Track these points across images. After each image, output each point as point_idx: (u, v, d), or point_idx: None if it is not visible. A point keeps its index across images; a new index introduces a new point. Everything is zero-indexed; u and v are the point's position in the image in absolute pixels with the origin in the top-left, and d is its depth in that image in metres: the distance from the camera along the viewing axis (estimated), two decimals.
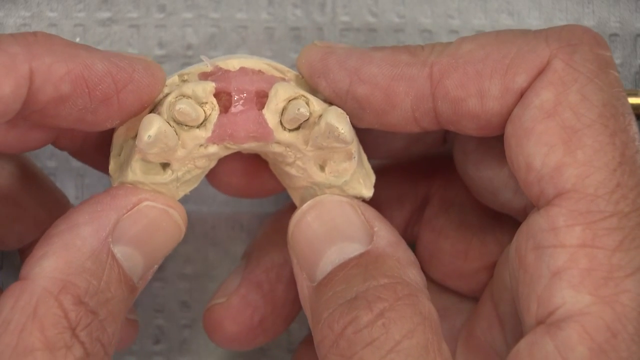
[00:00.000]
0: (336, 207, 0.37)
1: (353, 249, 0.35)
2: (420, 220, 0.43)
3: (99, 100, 0.34)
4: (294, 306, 0.42)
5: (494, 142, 0.37)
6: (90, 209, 0.35)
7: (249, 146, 0.36)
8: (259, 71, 0.36)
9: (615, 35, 0.47)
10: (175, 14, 0.47)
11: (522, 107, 0.34)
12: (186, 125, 0.35)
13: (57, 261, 0.33)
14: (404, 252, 0.36)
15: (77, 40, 0.47)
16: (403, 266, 0.35)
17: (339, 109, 0.35)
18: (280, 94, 0.35)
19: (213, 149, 0.36)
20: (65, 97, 0.34)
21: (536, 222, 0.33)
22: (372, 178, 0.38)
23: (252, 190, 0.41)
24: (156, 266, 0.37)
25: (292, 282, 0.41)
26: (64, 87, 0.34)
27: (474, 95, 0.34)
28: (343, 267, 0.35)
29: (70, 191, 0.47)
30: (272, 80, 0.36)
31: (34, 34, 0.34)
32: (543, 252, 0.33)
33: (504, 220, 0.40)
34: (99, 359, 0.33)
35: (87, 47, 0.35)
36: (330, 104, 0.36)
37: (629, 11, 0.48)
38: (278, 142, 0.36)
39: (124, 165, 0.37)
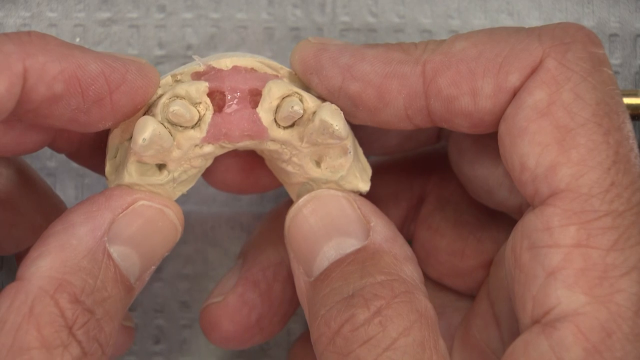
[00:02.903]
0: (332, 202, 0.37)
1: (349, 245, 0.35)
2: (416, 218, 0.43)
3: (92, 101, 0.34)
4: (291, 305, 0.42)
5: (488, 141, 0.37)
6: (85, 209, 0.35)
7: (244, 144, 0.36)
8: (252, 69, 0.36)
9: (615, 35, 0.47)
10: (175, 14, 0.47)
11: (515, 106, 0.34)
12: (181, 126, 0.35)
13: (53, 261, 0.33)
14: (400, 248, 0.36)
15: (77, 40, 0.47)
16: (400, 262, 0.35)
17: (333, 105, 0.35)
18: (273, 92, 0.35)
19: (208, 148, 0.36)
20: (58, 96, 0.34)
21: (531, 222, 0.33)
22: (369, 171, 0.38)
23: (248, 186, 0.41)
24: (154, 267, 0.37)
25: (288, 281, 0.41)
26: (57, 86, 0.34)
27: (467, 93, 0.34)
28: (340, 263, 0.35)
29: (70, 191, 0.47)
30: (265, 78, 0.36)
31: (28, 33, 0.34)
32: (538, 252, 0.33)
33: (500, 218, 0.41)
34: (97, 358, 0.33)
35: (81, 48, 0.35)
36: (324, 100, 0.36)
37: (629, 11, 0.47)
38: (273, 140, 0.36)
39: (119, 168, 0.37)
